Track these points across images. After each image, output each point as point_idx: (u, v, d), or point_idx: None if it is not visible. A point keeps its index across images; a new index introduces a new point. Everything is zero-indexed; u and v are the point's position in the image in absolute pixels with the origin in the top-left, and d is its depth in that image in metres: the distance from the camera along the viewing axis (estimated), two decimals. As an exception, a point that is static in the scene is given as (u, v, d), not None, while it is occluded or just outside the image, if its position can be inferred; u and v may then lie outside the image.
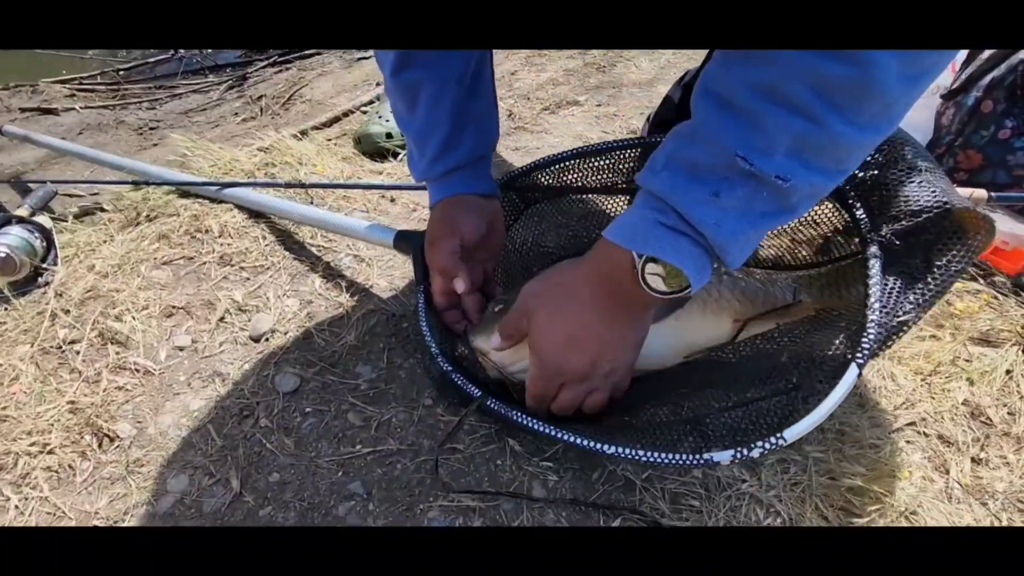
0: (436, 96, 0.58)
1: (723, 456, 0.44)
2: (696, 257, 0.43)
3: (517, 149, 1.18)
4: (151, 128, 1.63)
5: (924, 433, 0.63)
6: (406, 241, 0.68)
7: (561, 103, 1.34)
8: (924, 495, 0.57)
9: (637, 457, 0.46)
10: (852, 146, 0.39)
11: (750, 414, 0.47)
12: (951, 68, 0.98)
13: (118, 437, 0.56)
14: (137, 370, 0.62)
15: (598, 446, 0.47)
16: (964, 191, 0.77)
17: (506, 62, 1.61)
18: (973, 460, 0.62)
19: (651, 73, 1.47)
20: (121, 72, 2.09)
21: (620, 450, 0.46)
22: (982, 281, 0.82)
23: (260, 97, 1.74)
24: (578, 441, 0.48)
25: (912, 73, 0.36)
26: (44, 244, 0.76)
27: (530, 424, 0.51)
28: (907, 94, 0.37)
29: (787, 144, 0.38)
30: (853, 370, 0.44)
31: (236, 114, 1.67)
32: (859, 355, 0.45)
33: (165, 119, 1.70)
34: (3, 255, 0.71)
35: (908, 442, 0.62)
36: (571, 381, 0.51)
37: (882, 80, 0.35)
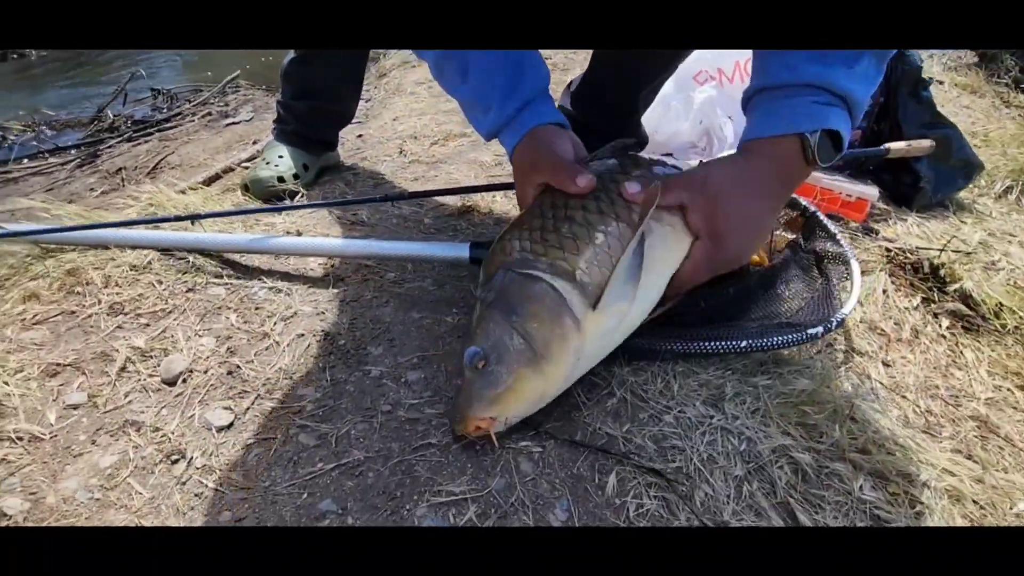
0: (484, 51, 0.61)
1: (816, 331, 0.60)
2: (847, 120, 0.53)
3: (416, 179, 1.19)
4: (-18, 214, 1.40)
5: (840, 350, 0.71)
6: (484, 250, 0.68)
7: (448, 136, 1.38)
8: (857, 398, 0.63)
9: (764, 345, 0.59)
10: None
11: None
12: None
13: (4, 515, 0.44)
14: (19, 438, 0.51)
15: (732, 344, 0.59)
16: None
17: (385, 111, 1.64)
18: (883, 363, 0.70)
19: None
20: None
21: (752, 343, 0.59)
22: (842, 227, 0.96)
23: (119, 170, 1.59)
24: (723, 344, 0.59)
25: None
26: None
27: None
28: None
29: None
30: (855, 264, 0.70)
31: (92, 189, 1.51)
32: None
33: (-2, 204, 1.48)
34: None
35: (830, 359, 0.69)
36: (729, 258, 0.58)
37: None
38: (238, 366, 0.61)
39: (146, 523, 0.44)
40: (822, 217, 0.79)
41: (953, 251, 0.90)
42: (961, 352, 0.75)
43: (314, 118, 1.11)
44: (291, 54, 1.09)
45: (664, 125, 1.14)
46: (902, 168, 1.08)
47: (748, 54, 0.77)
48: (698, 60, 1.15)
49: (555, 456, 0.53)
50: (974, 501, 0.55)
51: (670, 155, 1.10)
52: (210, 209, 0.96)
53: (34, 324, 0.65)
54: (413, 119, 1.56)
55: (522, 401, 0.51)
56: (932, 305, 0.82)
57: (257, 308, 0.72)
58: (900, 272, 0.87)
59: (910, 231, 1.00)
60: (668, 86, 1.10)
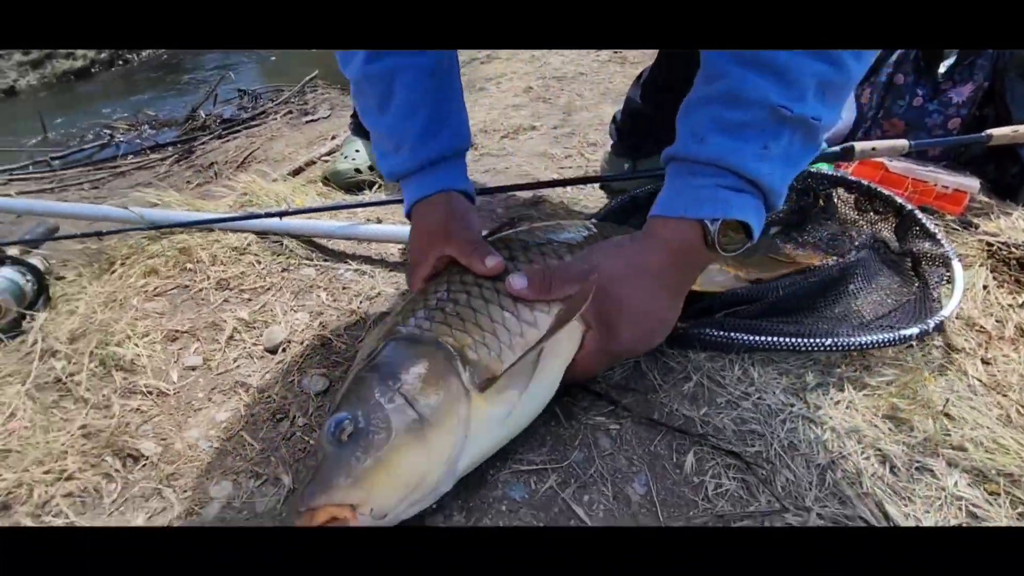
0: (411, 84, 0.55)
1: (910, 332, 0.60)
2: (757, 208, 0.47)
3: (487, 171, 1.22)
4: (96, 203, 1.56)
5: (935, 346, 0.67)
6: None
7: (518, 129, 1.40)
8: (954, 393, 0.60)
9: (850, 345, 0.59)
10: (855, 82, 0.46)
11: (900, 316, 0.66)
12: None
13: (143, 456, 0.50)
14: (150, 392, 0.57)
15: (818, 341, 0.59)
16: (887, 143, 0.87)
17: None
18: (983, 361, 0.66)
19: (595, 98, 1.58)
20: (55, 160, 2.01)
21: (836, 341, 0.59)
22: (938, 222, 0.91)
23: (211, 164, 1.72)
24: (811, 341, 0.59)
25: None
26: (34, 286, 0.70)
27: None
28: None
29: (813, 88, 0.44)
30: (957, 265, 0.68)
31: (189, 182, 1.64)
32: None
33: (111, 195, 1.64)
34: (-17, 298, 0.65)
35: (923, 355, 0.66)
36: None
37: None
38: (330, 339, 0.66)
39: (259, 471, 0.49)
40: (920, 215, 0.75)
41: (1064, 246, 0.83)
42: (1072, 353, 0.69)
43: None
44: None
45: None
46: (1008, 156, 1.00)
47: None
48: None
49: (632, 433, 0.54)
50: (1086, 506, 0.51)
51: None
52: (297, 198, 1.03)
53: (155, 296, 0.72)
54: (483, 113, 1.60)
55: (396, 481, 0.41)
56: (1037, 302, 0.76)
57: (344, 288, 0.76)
58: (1003, 267, 0.81)
59: (1015, 225, 0.93)
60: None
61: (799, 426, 0.55)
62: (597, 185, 1.06)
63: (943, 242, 0.72)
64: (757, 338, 0.60)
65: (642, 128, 0.94)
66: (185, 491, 0.47)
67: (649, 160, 0.98)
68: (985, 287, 0.77)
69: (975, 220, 0.93)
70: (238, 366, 0.62)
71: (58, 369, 0.58)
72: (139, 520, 0.45)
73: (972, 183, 0.94)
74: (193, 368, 0.61)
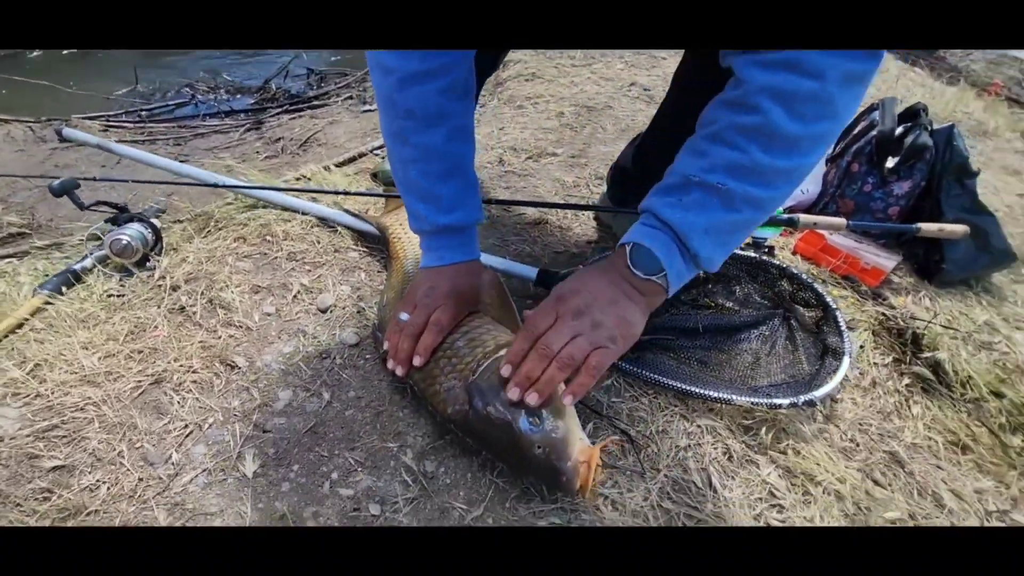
0: (447, 143, 0.69)
1: (784, 401, 0.79)
2: (667, 245, 0.60)
3: (508, 187, 1.46)
4: (182, 160, 1.85)
5: (801, 383, 0.90)
6: (549, 278, 0.93)
7: (542, 153, 1.64)
8: (795, 418, 0.83)
9: (731, 400, 0.78)
10: (772, 171, 0.58)
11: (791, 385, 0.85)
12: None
13: (237, 366, 0.77)
14: (240, 326, 0.84)
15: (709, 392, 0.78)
16: (827, 219, 1.09)
17: (495, 120, 1.93)
18: (832, 399, 0.89)
19: (614, 134, 1.80)
20: (144, 112, 2.32)
21: (722, 394, 0.78)
22: (850, 289, 1.13)
23: (278, 139, 2.00)
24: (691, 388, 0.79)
25: (813, 132, 0.56)
26: (154, 238, 0.98)
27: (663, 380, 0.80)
28: (811, 148, 0.58)
29: (722, 167, 0.58)
30: (847, 360, 0.85)
31: (258, 152, 1.92)
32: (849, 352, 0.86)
33: (193, 154, 1.93)
34: (125, 242, 0.93)
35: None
36: (564, 315, 0.61)
37: (780, 125, 0.55)
38: (363, 307, 0.92)
39: (309, 387, 0.76)
40: (839, 318, 0.93)
41: (942, 326, 1.04)
42: (910, 407, 0.92)
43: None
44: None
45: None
46: (932, 246, 1.21)
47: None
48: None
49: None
50: (854, 503, 0.74)
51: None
52: (351, 187, 1.29)
53: (244, 257, 0.99)
54: (516, 131, 1.83)
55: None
56: (901, 366, 0.98)
57: (379, 271, 1.02)
58: (885, 334, 1.03)
59: (919, 302, 1.14)
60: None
61: (675, 420, 0.80)
62: (591, 215, 1.29)
63: (845, 340, 0.90)
64: (668, 380, 0.82)
65: (628, 185, 1.17)
66: (263, 392, 0.74)
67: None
68: (862, 346, 0.99)
69: (888, 293, 1.15)
70: (298, 317, 0.89)
71: (182, 302, 0.86)
72: (235, 403, 0.72)
73: (888, 263, 1.16)
74: (268, 314, 0.88)
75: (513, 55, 2.44)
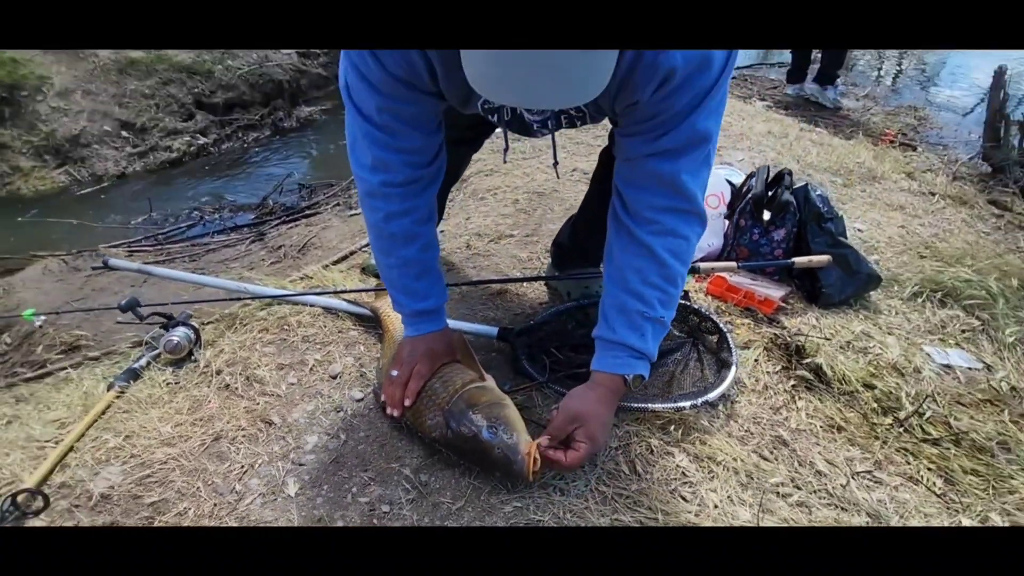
0: (420, 254, 0.99)
1: (686, 404, 1.05)
2: (646, 366, 0.94)
3: (474, 267, 1.77)
4: (200, 272, 2.15)
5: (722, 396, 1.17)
6: (507, 333, 1.21)
7: (501, 236, 1.97)
8: (701, 416, 1.09)
9: (647, 407, 1.05)
10: (677, 297, 0.94)
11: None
12: (722, 201, 1.68)
13: (274, 423, 1.03)
14: (272, 394, 1.10)
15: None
16: (721, 264, 1.40)
17: (461, 211, 2.28)
18: (731, 401, 1.15)
19: (560, 213, 2.15)
20: (160, 236, 2.65)
21: (642, 404, 1.06)
22: (750, 318, 1.42)
23: (280, 247, 2.32)
24: None
25: (685, 268, 0.94)
26: (195, 337, 1.25)
27: None
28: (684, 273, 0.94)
29: (658, 302, 0.91)
30: (733, 369, 1.10)
31: (263, 260, 2.23)
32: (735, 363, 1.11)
33: (207, 267, 2.24)
34: (176, 342, 1.20)
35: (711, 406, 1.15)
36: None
37: (678, 271, 0.92)
38: (364, 371, 1.19)
39: (330, 431, 1.01)
40: (729, 338, 1.24)
41: (819, 337, 1.33)
42: (795, 402, 1.18)
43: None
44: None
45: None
46: (812, 276, 1.51)
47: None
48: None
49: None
50: (747, 474, 0.99)
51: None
52: (346, 282, 1.59)
53: (268, 344, 1.26)
54: (480, 219, 2.18)
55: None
56: (788, 371, 1.25)
57: (374, 343, 1.30)
58: (775, 348, 1.31)
59: (808, 322, 1.43)
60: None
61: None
62: (543, 285, 1.60)
63: (733, 353, 1.20)
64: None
65: (565, 256, 1.49)
66: (295, 438, 0.99)
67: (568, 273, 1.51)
68: (756, 360, 1.26)
69: (780, 318, 1.44)
70: (316, 384, 1.15)
71: (226, 380, 1.12)
72: (276, 449, 0.97)
73: (777, 293, 1.45)
74: (292, 383, 1.14)
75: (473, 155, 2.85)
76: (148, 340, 1.23)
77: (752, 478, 0.99)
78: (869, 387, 1.23)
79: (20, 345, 1.77)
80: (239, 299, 1.39)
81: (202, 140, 3.71)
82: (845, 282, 1.49)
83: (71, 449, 0.95)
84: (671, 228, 0.89)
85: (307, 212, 2.74)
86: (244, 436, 0.99)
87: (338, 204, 2.78)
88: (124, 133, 3.53)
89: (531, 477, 0.85)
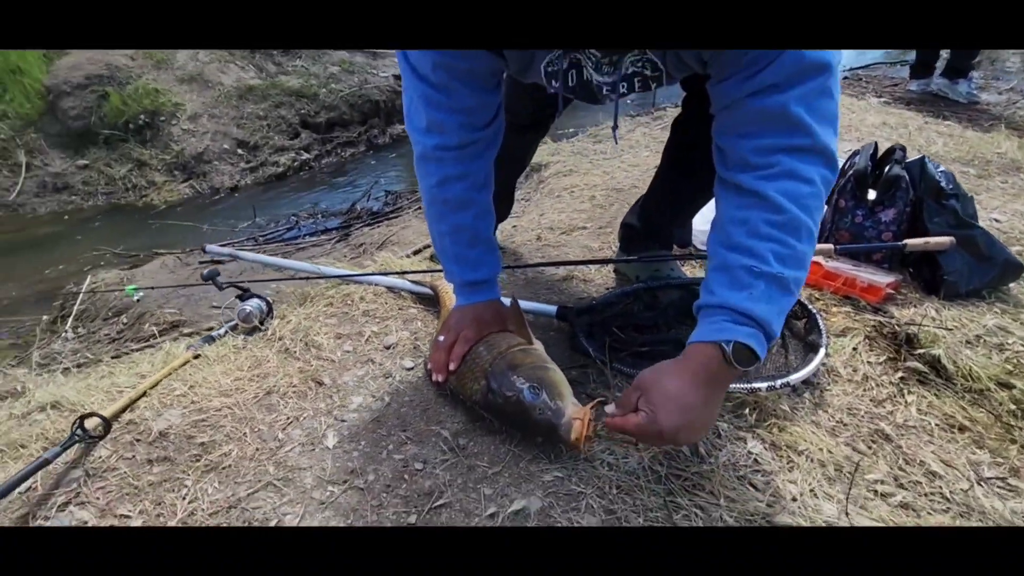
0: (477, 222, 0.95)
1: (762, 385, 0.91)
2: (755, 335, 0.68)
3: (543, 256, 1.72)
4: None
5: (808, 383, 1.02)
6: (568, 312, 1.17)
7: (574, 228, 1.91)
8: (780, 400, 0.95)
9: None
10: (804, 254, 0.70)
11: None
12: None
13: (324, 383, 1.03)
14: (327, 359, 1.12)
15: None
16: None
17: (536, 209, 2.25)
18: (820, 389, 0.99)
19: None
20: (260, 238, 2.88)
21: None
22: (851, 307, 1.24)
23: (361, 244, 2.42)
24: None
25: (816, 219, 0.71)
26: (268, 309, 1.31)
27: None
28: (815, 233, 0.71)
29: (772, 257, 0.69)
30: (822, 351, 0.98)
31: (346, 255, 2.34)
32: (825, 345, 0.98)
33: (296, 262, 2.38)
34: (248, 311, 1.26)
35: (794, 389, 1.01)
36: (664, 432, 0.69)
37: (801, 219, 0.69)
38: (418, 345, 1.17)
39: (375, 394, 0.99)
40: (819, 320, 1.08)
41: (938, 327, 1.12)
42: (904, 395, 1.00)
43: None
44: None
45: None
46: (931, 262, 1.30)
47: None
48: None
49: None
50: (836, 467, 0.83)
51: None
52: (408, 268, 1.60)
53: (331, 316, 1.29)
54: (554, 215, 2.13)
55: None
56: (897, 363, 1.06)
57: (432, 320, 1.28)
58: (880, 338, 1.12)
59: (924, 312, 1.22)
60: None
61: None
62: (611, 269, 1.51)
63: (823, 335, 1.05)
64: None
65: (634, 239, 1.40)
66: (343, 399, 0.99)
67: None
68: (855, 348, 1.09)
69: (888, 307, 1.24)
70: (369, 352, 1.15)
71: (288, 347, 1.15)
72: (321, 405, 0.97)
73: (883, 279, 1.26)
74: (348, 351, 1.15)
75: (552, 157, 2.83)
76: (225, 309, 1.30)
77: (843, 473, 0.83)
78: (1006, 386, 1.01)
79: (132, 324, 1.97)
80: (308, 278, 1.45)
81: (305, 156, 4.03)
82: (974, 269, 1.27)
83: (144, 394, 1.01)
84: (787, 169, 0.69)
85: (390, 215, 2.85)
86: (294, 392, 1.00)
87: (419, 208, 2.87)
88: (239, 151, 3.92)
89: (581, 446, 0.77)
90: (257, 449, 0.87)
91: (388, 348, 1.16)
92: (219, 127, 3.97)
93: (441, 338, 0.98)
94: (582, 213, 2.08)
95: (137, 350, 1.67)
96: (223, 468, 0.83)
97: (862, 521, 0.74)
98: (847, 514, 0.75)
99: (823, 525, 0.74)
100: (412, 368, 1.08)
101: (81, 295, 2.25)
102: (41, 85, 4.01)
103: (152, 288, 1.81)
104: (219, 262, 2.11)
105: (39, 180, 3.77)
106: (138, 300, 1.61)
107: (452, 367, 0.94)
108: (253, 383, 1.03)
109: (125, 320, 2.05)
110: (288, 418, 0.94)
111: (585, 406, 0.80)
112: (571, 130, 3.45)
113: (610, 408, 0.76)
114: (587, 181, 2.49)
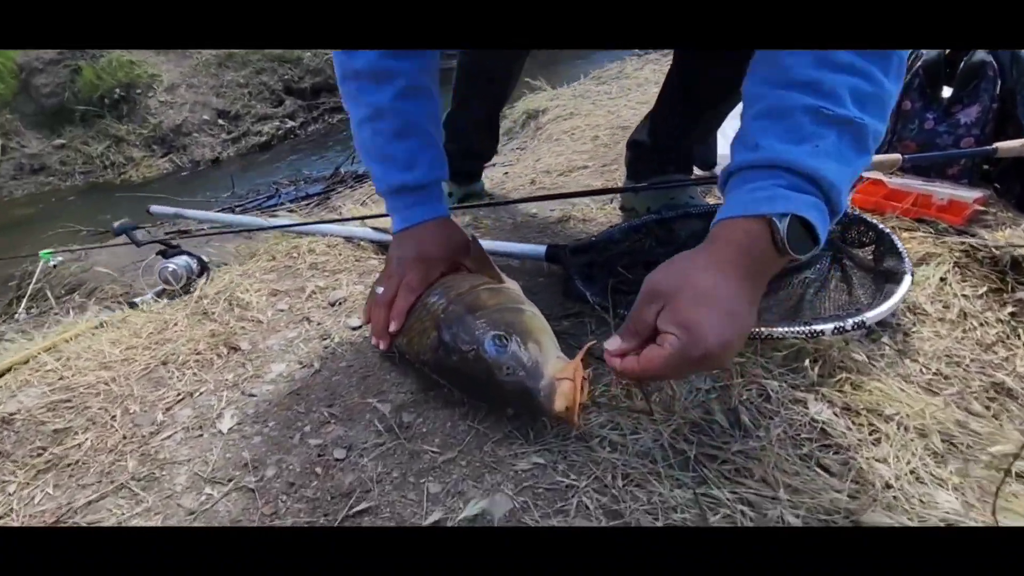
0: (421, 112, 0.70)
1: (828, 327, 0.64)
2: (818, 207, 0.47)
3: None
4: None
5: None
6: (560, 251, 0.90)
7: (573, 169, 1.64)
8: (851, 349, 0.68)
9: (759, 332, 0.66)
10: (890, 95, 0.49)
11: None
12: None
13: (240, 349, 0.79)
14: (252, 320, 0.87)
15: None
16: (879, 157, 0.95)
17: (531, 155, 1.98)
18: (903, 333, 0.73)
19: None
20: (237, 209, 2.65)
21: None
22: (929, 230, 0.96)
23: (340, 206, 2.18)
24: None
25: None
26: (199, 268, 1.07)
27: None
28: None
29: (849, 96, 0.47)
30: (907, 279, 0.70)
31: (321, 218, 2.10)
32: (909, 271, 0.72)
33: (268, 229, 2.15)
34: (171, 269, 1.02)
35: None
36: (706, 353, 0.45)
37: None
38: (373, 300, 0.92)
39: (303, 360, 0.75)
40: (896, 241, 0.79)
41: (1053, 247, 0.84)
42: (1021, 336, 0.72)
43: (460, 157, 1.46)
44: (447, 110, 1.47)
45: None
46: (1025, 173, 1.02)
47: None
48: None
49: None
50: (944, 439, 0.58)
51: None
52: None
53: (270, 271, 1.05)
54: (551, 158, 1.86)
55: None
56: (1003, 295, 0.79)
57: (394, 271, 1.03)
58: (974, 265, 0.85)
59: (1014, 233, 0.94)
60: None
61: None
62: (616, 204, 1.24)
63: (905, 260, 0.75)
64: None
65: (643, 158, 1.13)
66: (258, 367, 0.75)
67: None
68: (943, 279, 0.82)
69: (977, 230, 0.96)
70: (309, 311, 0.90)
71: (205, 308, 0.91)
72: (229, 376, 0.73)
73: (969, 194, 0.98)
74: (281, 310, 0.91)
75: (551, 102, 2.54)
76: (144, 267, 1.06)
77: (956, 446, 0.57)
78: None
79: (84, 300, 1.76)
80: (251, 230, 1.20)
81: (290, 123, 3.77)
82: (1085, 177, 0.98)
83: (9, 370, 0.78)
84: (846, 63, 0.48)
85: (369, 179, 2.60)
86: (196, 361, 0.76)
87: (407, 167, 2.61)
88: (220, 121, 3.68)
89: (573, 418, 0.52)
90: (124, 437, 0.63)
91: (333, 305, 0.91)
92: (198, 97, 3.73)
93: (380, 290, 0.73)
94: (583, 154, 1.81)
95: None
96: (67, 465, 0.60)
97: (1007, 519, 0.48)
98: (994, 513, 0.48)
99: (942, 526, 0.48)
100: (359, 328, 0.84)
101: (36, 273, 2.05)
102: (14, 63, 3.80)
103: (68, 250, 1.62)
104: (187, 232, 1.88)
105: (16, 162, 3.59)
106: (54, 266, 1.40)
107: (393, 327, 0.69)
108: (147, 353, 0.79)
109: (78, 297, 1.85)
110: (179, 394, 0.70)
111: (574, 359, 0.55)
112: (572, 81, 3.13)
113: (612, 343, 0.50)
114: (589, 122, 2.20)
